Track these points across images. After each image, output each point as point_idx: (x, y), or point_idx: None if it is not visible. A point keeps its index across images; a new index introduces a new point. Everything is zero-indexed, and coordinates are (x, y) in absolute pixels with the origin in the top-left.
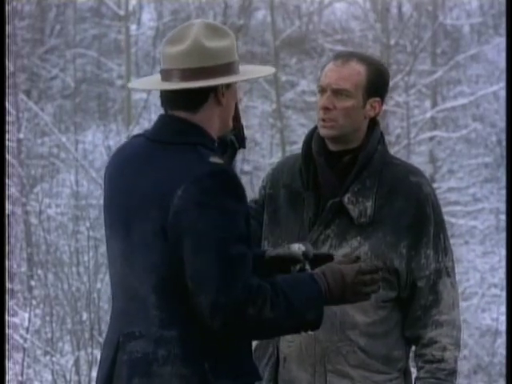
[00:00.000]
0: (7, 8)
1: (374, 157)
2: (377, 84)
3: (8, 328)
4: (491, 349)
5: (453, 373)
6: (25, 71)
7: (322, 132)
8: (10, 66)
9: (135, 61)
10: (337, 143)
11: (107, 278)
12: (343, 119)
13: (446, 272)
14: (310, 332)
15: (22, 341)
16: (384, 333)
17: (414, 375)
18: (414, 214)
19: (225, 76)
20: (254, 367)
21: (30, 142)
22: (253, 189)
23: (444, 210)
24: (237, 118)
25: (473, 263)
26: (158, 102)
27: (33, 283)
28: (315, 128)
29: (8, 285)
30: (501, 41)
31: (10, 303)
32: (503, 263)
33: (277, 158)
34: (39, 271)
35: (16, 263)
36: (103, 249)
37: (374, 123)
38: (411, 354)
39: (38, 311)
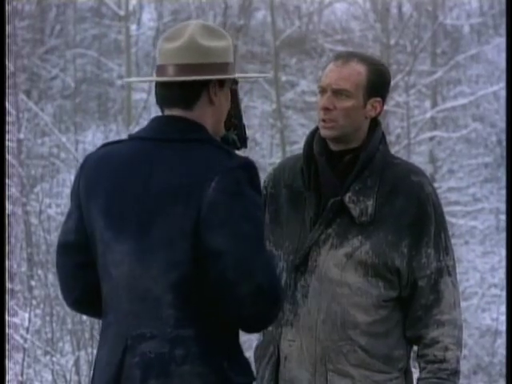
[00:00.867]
0: (7, 8)
1: (375, 156)
2: (377, 84)
3: (8, 328)
4: (491, 349)
5: (455, 373)
6: (25, 71)
7: (323, 132)
8: (10, 66)
9: (135, 61)
10: (338, 143)
11: None
12: (343, 119)
13: (447, 271)
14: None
15: (22, 341)
16: (385, 332)
17: (415, 375)
18: (415, 213)
19: (218, 75)
20: (251, 365)
21: (30, 142)
22: None
23: (444, 209)
24: (239, 117)
25: (473, 263)
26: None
27: (33, 283)
28: (317, 128)
29: (8, 285)
30: (501, 41)
31: (10, 303)
32: (503, 263)
33: (277, 157)
34: (39, 271)
35: (16, 263)
36: None
37: (375, 123)
38: (412, 355)
39: (38, 311)
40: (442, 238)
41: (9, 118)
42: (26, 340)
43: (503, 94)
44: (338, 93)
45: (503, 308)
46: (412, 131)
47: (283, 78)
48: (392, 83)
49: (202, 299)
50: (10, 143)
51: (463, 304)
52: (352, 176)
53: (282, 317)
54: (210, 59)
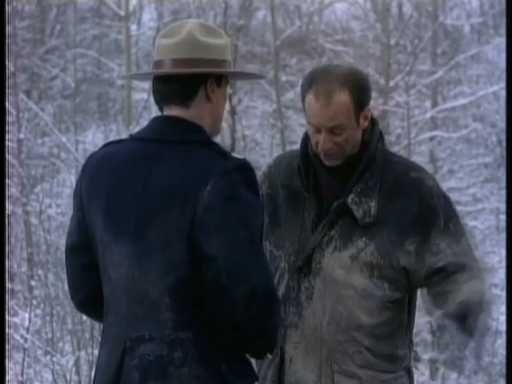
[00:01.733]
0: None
1: (375, 157)
2: (363, 99)
3: (8, 328)
4: (491, 349)
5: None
6: (25, 71)
7: (327, 163)
8: (10, 66)
9: (135, 61)
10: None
11: None
12: (345, 148)
13: (465, 255)
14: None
15: (22, 341)
16: (388, 333)
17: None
18: (418, 211)
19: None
20: (253, 368)
21: (30, 142)
22: None
23: None
24: None
25: None
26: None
27: (33, 283)
28: None
29: (8, 285)
30: (501, 41)
31: (10, 303)
32: (503, 263)
33: None
34: (39, 271)
35: (16, 263)
36: None
37: (372, 123)
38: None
39: (38, 311)
40: (452, 226)
41: (9, 118)
42: (26, 340)
43: (503, 94)
44: (332, 129)
45: (503, 308)
46: (412, 131)
47: (283, 78)
48: (392, 83)
49: (200, 302)
50: (10, 143)
51: None
52: (354, 178)
53: (285, 319)
54: (207, 55)
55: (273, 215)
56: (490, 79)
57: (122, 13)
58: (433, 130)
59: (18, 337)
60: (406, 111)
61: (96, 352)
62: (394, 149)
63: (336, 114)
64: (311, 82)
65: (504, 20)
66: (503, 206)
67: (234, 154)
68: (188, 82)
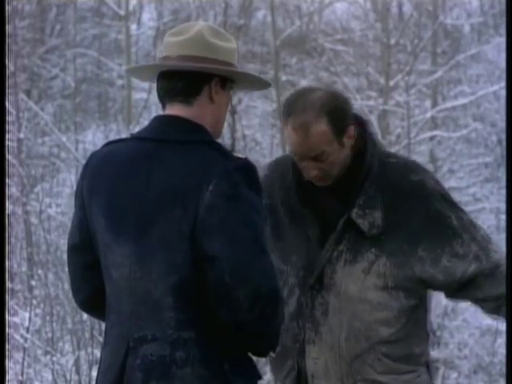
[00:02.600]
0: (7, 8)
1: (373, 165)
2: (342, 122)
3: (8, 328)
4: (491, 348)
5: None
6: (25, 71)
7: (318, 184)
8: (10, 66)
9: (135, 60)
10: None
11: None
12: (332, 171)
13: (485, 241)
14: None
15: (22, 340)
16: (405, 336)
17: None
18: (425, 216)
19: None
20: (256, 366)
21: (30, 141)
22: None
23: None
24: None
25: None
26: (159, 102)
27: (33, 283)
28: None
29: (8, 284)
30: (501, 41)
31: (10, 303)
32: None
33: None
34: (39, 271)
35: (16, 263)
36: None
37: (363, 129)
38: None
39: (38, 311)
40: (463, 220)
41: (9, 118)
42: (26, 340)
43: (503, 93)
44: (315, 158)
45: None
46: (412, 131)
47: (283, 78)
48: (392, 83)
49: (203, 302)
50: (10, 143)
51: (463, 304)
52: (354, 192)
53: (299, 333)
54: (214, 55)
55: (275, 228)
56: (490, 79)
57: (122, 12)
58: (433, 129)
59: (17, 336)
60: (406, 111)
61: (96, 352)
62: (394, 149)
63: (315, 144)
64: (288, 112)
65: (504, 20)
66: (503, 206)
67: (236, 154)
68: (193, 79)
